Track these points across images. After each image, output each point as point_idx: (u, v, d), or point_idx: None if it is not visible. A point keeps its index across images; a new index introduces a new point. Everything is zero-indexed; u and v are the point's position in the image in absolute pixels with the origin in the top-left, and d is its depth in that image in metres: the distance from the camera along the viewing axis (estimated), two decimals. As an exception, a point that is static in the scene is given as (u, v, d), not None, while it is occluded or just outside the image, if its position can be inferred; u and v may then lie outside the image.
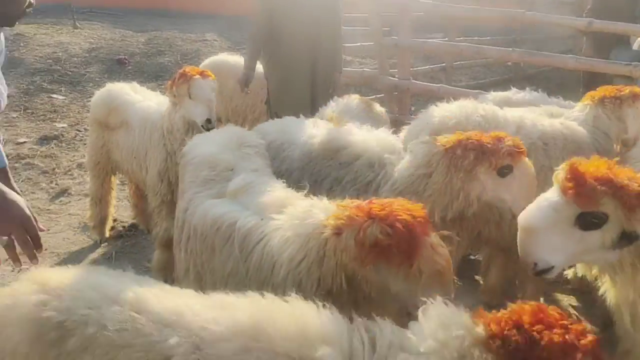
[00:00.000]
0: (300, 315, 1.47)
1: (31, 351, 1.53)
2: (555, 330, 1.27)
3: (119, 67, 9.27)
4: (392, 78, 6.03)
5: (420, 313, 1.45)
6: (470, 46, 5.74)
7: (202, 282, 2.29)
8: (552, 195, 1.90)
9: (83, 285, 1.61)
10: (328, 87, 4.64)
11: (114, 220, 4.70)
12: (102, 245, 4.44)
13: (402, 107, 5.92)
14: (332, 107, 4.04)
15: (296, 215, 2.02)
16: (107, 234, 4.53)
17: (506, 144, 2.40)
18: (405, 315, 1.74)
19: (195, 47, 11.59)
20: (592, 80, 7.17)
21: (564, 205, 1.84)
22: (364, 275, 1.79)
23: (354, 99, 4.19)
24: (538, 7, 9.46)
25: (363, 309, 1.79)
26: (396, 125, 5.95)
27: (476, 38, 11.52)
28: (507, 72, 11.66)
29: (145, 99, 4.08)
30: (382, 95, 6.44)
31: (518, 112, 3.48)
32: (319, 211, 1.97)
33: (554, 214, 1.85)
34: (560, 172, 1.92)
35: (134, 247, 4.46)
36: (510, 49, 5.96)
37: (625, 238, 1.80)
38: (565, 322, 1.31)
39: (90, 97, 4.59)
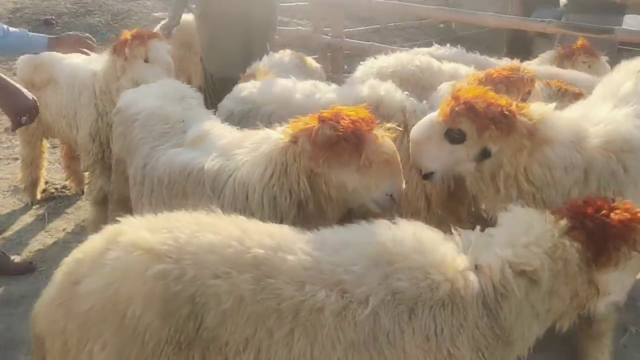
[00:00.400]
0: (407, 231, 1.67)
1: (166, 331, 1.46)
2: (615, 212, 1.68)
3: (46, 28, 8.80)
4: (325, 37, 6.14)
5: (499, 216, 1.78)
6: (397, 4, 5.93)
7: None
8: (434, 114, 2.22)
9: (194, 247, 1.54)
10: (264, 46, 4.64)
11: (45, 183, 4.61)
12: (34, 207, 4.36)
13: (335, 65, 6.05)
14: (265, 62, 4.08)
15: (256, 142, 2.23)
16: (39, 196, 4.44)
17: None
18: (368, 213, 2.03)
19: (127, 6, 11.14)
20: (514, 40, 7.56)
21: (437, 122, 2.17)
22: (321, 174, 2.04)
23: (286, 54, 4.24)
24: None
25: (330, 215, 2.09)
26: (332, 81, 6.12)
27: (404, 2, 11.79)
28: (439, 33, 11.89)
29: (71, 55, 3.97)
30: (317, 55, 6.52)
31: (452, 64, 3.72)
32: (275, 133, 2.21)
33: (430, 129, 2.19)
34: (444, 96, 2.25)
35: (67, 207, 4.41)
36: (437, 6, 6.13)
37: (483, 154, 2.13)
38: (613, 205, 1.71)
39: (16, 59, 4.40)
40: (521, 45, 7.15)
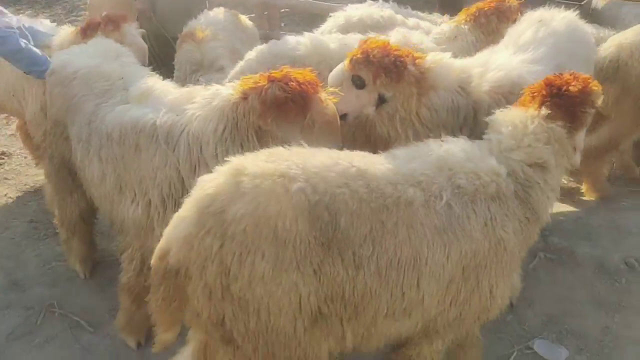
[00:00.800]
0: (456, 146, 2.09)
1: (313, 234, 1.75)
2: (572, 84, 2.11)
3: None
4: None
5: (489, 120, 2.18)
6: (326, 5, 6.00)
7: (123, 183, 2.47)
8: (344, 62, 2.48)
9: (314, 168, 1.84)
10: (203, 6, 4.72)
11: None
12: (-28, 174, 4.34)
13: (272, 23, 6.09)
14: (200, 20, 4.14)
15: (207, 98, 2.32)
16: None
17: None
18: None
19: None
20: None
21: (345, 70, 2.45)
22: (268, 131, 2.18)
23: (220, 12, 4.31)
24: None
25: None
26: (267, 41, 6.18)
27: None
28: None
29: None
30: (253, 14, 6.54)
31: (415, 19, 4.11)
32: (225, 89, 2.31)
33: (341, 75, 2.47)
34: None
35: (9, 173, 4.40)
36: None
37: (380, 99, 2.44)
38: (567, 79, 2.13)
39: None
40: (451, 2, 7.40)
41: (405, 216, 1.86)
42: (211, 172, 1.92)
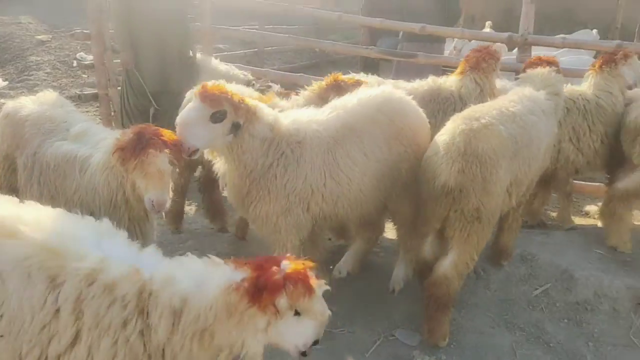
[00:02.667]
0: None
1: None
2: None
3: None
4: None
5: None
6: (257, 32, 7.00)
7: (55, 202, 3.04)
8: (194, 103, 2.98)
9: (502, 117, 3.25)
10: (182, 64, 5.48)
11: None
12: None
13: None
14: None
15: (109, 141, 2.94)
16: None
17: None
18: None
19: (8, 30, 11.28)
20: (366, 62, 8.90)
21: (201, 108, 2.92)
22: (125, 175, 2.80)
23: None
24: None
25: (136, 201, 2.88)
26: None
27: (284, 26, 13.01)
28: (315, 57, 13.14)
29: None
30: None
31: None
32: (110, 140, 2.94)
33: (196, 113, 2.93)
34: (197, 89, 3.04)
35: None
36: (287, 35, 7.26)
37: (234, 126, 2.99)
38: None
39: None
40: (371, 65, 8.48)
41: None
42: (99, 195, 2.86)
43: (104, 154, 2.93)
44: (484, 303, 3.85)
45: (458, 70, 4.49)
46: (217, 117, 2.96)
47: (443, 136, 3.28)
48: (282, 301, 1.85)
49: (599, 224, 4.72)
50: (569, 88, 4.47)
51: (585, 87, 4.57)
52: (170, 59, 5.37)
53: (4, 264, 1.93)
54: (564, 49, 7.87)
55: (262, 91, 4.80)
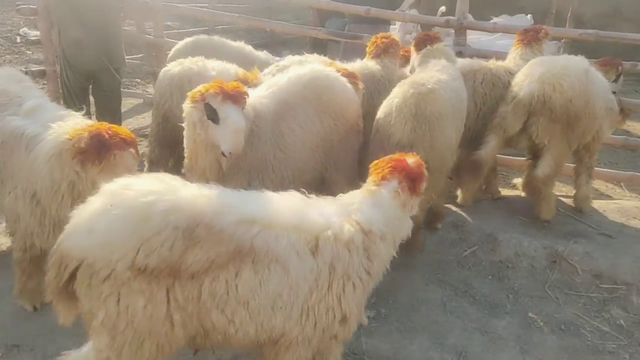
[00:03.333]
0: None
1: None
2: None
3: None
4: (148, 36, 7.05)
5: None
6: (206, 11, 7.12)
7: (3, 177, 3.16)
8: (234, 109, 3.06)
9: None
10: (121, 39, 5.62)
11: None
12: None
13: (159, 62, 6.97)
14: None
15: (60, 127, 3.01)
16: None
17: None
18: None
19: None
20: (315, 42, 9.15)
21: (240, 111, 3.09)
22: (78, 171, 2.81)
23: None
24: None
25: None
26: (156, 78, 7.06)
27: (235, 5, 13.03)
28: (266, 36, 13.26)
29: None
30: (143, 54, 7.44)
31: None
32: (71, 126, 2.96)
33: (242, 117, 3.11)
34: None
35: None
36: (237, 14, 7.40)
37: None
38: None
39: None
40: (319, 46, 8.75)
41: None
42: (42, 179, 2.89)
43: (50, 144, 2.91)
44: (419, 264, 4.26)
45: (374, 54, 4.80)
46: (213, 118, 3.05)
47: (395, 100, 3.72)
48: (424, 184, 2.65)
49: (523, 194, 5.23)
50: (494, 63, 4.82)
51: (511, 62, 4.86)
52: (113, 34, 5.44)
53: (282, 251, 2.27)
54: (499, 34, 8.37)
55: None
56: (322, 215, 2.44)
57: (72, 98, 5.45)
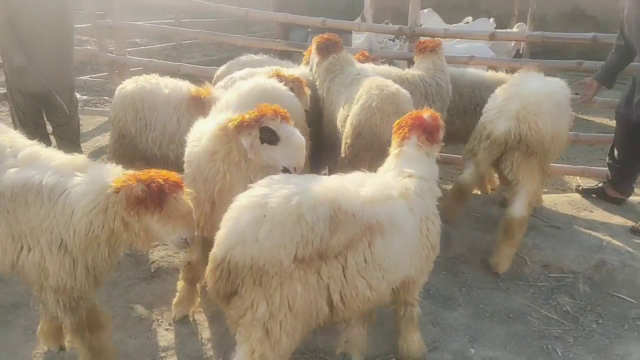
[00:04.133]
0: None
1: None
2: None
3: None
4: (110, 55, 7.15)
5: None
6: (166, 28, 7.26)
7: (15, 231, 2.85)
8: (293, 129, 3.15)
9: None
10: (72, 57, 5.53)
11: None
12: None
13: (122, 80, 7.07)
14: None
15: (93, 176, 2.83)
16: None
17: None
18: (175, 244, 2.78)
19: None
20: (280, 54, 9.33)
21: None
22: (131, 221, 2.69)
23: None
24: None
25: (141, 245, 2.81)
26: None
27: (202, 20, 13.17)
28: (236, 49, 13.33)
29: None
30: (105, 73, 7.54)
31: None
32: (110, 175, 2.80)
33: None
34: None
35: None
36: (198, 30, 7.55)
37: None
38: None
39: None
40: (286, 56, 8.92)
41: None
42: (77, 232, 2.68)
43: (90, 197, 2.75)
44: (376, 263, 4.41)
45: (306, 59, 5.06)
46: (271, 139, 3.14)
47: (372, 102, 3.96)
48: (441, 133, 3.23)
49: (479, 192, 5.43)
50: (409, 72, 4.99)
51: (424, 70, 4.98)
52: (62, 58, 5.32)
53: (399, 218, 2.77)
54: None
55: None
56: (391, 180, 2.95)
57: (28, 121, 5.33)
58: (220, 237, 2.52)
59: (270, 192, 2.52)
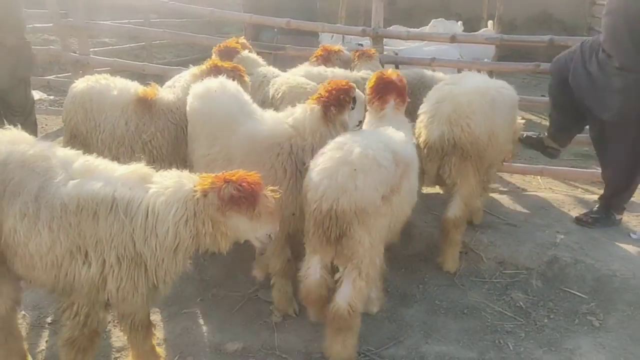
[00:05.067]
0: None
1: None
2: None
3: None
4: (74, 54, 7.06)
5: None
6: (133, 27, 7.20)
7: (74, 247, 2.72)
8: None
9: None
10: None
11: None
12: None
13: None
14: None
15: (169, 184, 2.77)
16: None
17: None
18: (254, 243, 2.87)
19: None
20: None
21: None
22: (222, 221, 2.71)
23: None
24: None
25: (222, 246, 2.81)
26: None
27: (173, 20, 13.09)
28: (207, 49, 13.27)
29: None
30: (70, 73, 7.45)
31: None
32: (187, 181, 2.78)
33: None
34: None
35: None
36: (162, 30, 7.52)
37: None
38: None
39: None
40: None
41: None
42: (159, 242, 2.67)
43: (176, 206, 2.71)
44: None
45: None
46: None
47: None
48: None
49: (441, 191, 5.52)
50: (353, 75, 5.03)
51: (363, 73, 5.05)
52: (13, 53, 5.12)
53: (413, 162, 3.56)
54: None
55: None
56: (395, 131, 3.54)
57: None
58: (320, 192, 3.01)
59: (348, 150, 3.10)
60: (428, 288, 4.27)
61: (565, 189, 6.42)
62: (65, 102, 4.52)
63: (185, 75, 4.54)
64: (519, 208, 5.32)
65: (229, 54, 4.99)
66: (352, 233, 3.02)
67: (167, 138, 4.29)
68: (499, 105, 4.29)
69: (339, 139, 3.24)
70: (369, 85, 3.82)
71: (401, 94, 3.74)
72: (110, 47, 10.46)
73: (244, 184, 2.69)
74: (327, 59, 5.49)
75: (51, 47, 7.91)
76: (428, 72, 5.63)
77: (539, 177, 6.65)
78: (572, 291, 4.20)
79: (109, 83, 4.40)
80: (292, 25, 6.25)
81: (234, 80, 4.13)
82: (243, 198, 2.67)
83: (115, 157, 4.28)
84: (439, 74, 5.69)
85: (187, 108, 4.01)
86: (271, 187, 2.87)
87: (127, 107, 4.28)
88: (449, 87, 4.37)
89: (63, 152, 3.02)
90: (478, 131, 4.07)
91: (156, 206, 2.73)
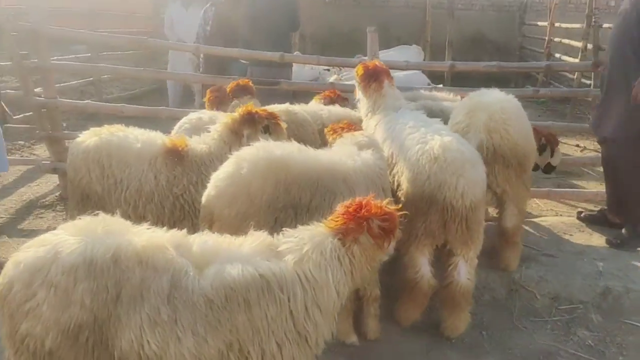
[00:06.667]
0: None
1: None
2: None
3: None
4: (39, 98, 6.25)
5: None
6: (106, 66, 6.57)
7: (228, 343, 2.32)
8: None
9: None
10: None
11: None
12: None
13: (54, 124, 6.22)
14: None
15: (309, 246, 2.49)
16: None
17: None
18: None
19: None
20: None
21: None
22: (379, 255, 2.60)
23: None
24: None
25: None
26: (51, 142, 6.32)
27: (119, 53, 12.30)
28: (157, 82, 12.47)
29: None
30: (32, 113, 6.65)
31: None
32: (320, 232, 2.54)
33: None
34: None
35: None
36: (142, 68, 6.95)
37: None
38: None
39: None
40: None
41: None
42: (323, 311, 2.42)
43: (328, 267, 2.48)
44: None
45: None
46: None
47: None
48: None
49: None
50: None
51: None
52: None
53: None
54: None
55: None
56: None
57: None
58: (459, 190, 3.40)
59: (458, 149, 3.54)
60: (492, 334, 4.01)
61: (566, 210, 6.44)
62: (72, 160, 3.91)
63: (215, 125, 4.05)
64: (542, 235, 5.22)
65: (244, 91, 4.56)
66: (475, 217, 3.46)
67: (200, 192, 3.79)
68: (524, 112, 4.42)
69: (436, 142, 3.55)
70: (358, 75, 4.30)
71: (389, 74, 4.30)
72: (57, 85, 9.53)
73: (382, 212, 2.53)
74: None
75: (8, 91, 6.99)
76: (429, 102, 5.48)
77: (536, 199, 6.65)
78: (634, 322, 4.09)
79: (127, 135, 3.86)
80: (286, 58, 5.91)
81: (269, 128, 3.85)
82: (392, 226, 2.54)
83: (142, 217, 3.76)
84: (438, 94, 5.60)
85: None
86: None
87: (156, 159, 3.77)
88: (476, 97, 4.39)
89: (170, 235, 2.50)
90: (516, 136, 4.10)
91: (310, 274, 2.44)
